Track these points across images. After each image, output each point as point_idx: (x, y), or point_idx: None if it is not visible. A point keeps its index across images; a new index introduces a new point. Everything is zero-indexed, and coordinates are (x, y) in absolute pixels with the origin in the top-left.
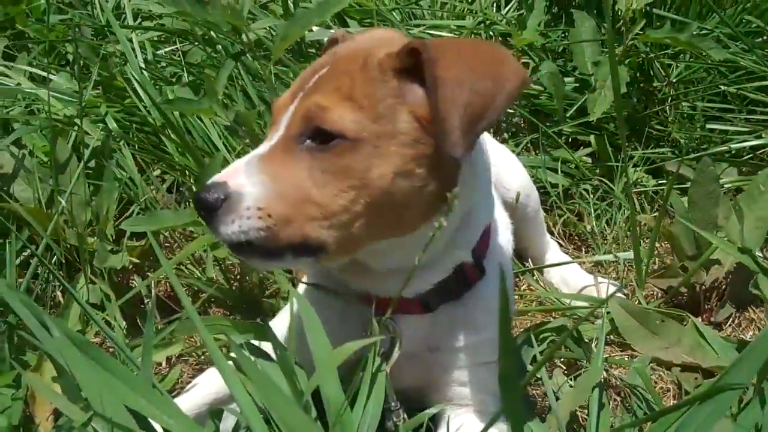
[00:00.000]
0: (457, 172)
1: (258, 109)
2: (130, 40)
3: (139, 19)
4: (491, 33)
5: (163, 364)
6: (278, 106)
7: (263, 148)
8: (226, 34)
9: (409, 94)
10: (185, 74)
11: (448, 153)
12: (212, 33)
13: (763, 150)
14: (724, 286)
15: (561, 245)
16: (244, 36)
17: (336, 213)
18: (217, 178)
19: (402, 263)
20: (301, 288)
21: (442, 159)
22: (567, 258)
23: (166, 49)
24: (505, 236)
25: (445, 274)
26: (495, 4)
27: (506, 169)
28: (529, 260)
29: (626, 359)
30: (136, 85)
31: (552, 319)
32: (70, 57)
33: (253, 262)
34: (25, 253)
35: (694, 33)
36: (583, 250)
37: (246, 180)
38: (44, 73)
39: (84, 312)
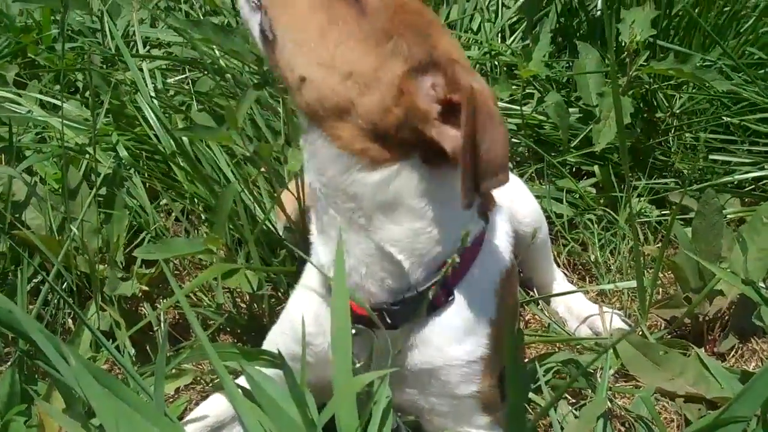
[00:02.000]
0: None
1: (276, 143)
2: (141, 69)
3: (148, 47)
4: (496, 63)
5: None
6: None
7: None
8: (250, 64)
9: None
10: (194, 103)
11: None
12: (222, 62)
13: (765, 181)
14: (727, 317)
15: (566, 275)
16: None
17: None
18: None
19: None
20: (299, 293)
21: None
22: (573, 287)
23: (175, 78)
24: (494, 268)
25: (403, 282)
26: (500, 35)
27: (520, 201)
28: (535, 289)
29: (630, 389)
30: (146, 113)
31: (557, 350)
32: (80, 84)
33: None
34: (35, 280)
35: (698, 65)
36: (587, 279)
37: None
38: (56, 101)
39: (95, 339)
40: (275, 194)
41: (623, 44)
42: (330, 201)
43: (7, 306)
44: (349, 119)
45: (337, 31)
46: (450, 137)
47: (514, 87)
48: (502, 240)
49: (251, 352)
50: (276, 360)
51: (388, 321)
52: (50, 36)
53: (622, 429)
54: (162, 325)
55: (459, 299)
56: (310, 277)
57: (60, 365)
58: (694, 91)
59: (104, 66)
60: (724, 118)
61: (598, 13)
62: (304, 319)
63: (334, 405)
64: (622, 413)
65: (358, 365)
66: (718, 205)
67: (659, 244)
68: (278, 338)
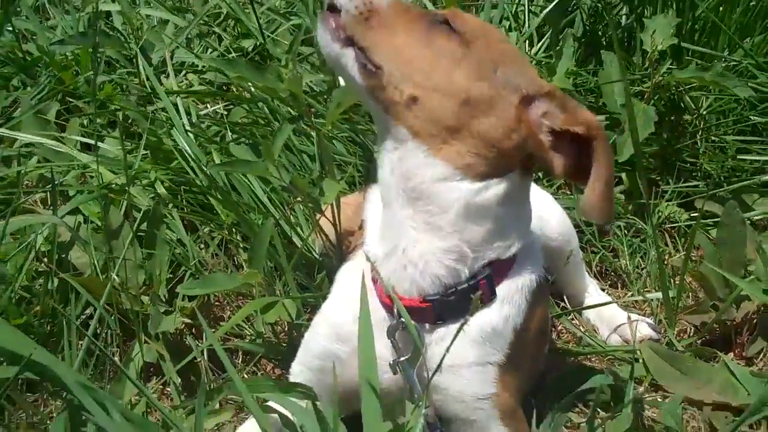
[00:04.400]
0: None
1: (311, 173)
2: (175, 104)
3: (183, 72)
4: None
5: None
6: None
7: None
8: (283, 100)
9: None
10: (229, 133)
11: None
12: (255, 92)
13: None
14: (755, 320)
15: (598, 281)
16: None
17: None
18: None
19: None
20: (334, 297)
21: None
22: (605, 295)
23: (209, 109)
24: (528, 277)
25: (456, 278)
26: (528, 41)
27: (550, 217)
28: (566, 299)
29: (659, 399)
30: (182, 146)
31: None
32: (120, 116)
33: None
34: (85, 314)
35: (722, 66)
36: (619, 286)
37: None
38: (93, 141)
39: (143, 371)
40: (313, 218)
41: (646, 52)
42: (409, 200)
43: (52, 363)
44: (460, 138)
45: (445, 59)
46: (560, 164)
47: None
48: (536, 252)
49: (284, 385)
50: (308, 392)
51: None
52: (94, 65)
53: None
54: (202, 364)
55: (498, 299)
56: (345, 283)
57: (101, 418)
58: (719, 93)
59: (140, 100)
60: (751, 118)
61: (624, 18)
62: (344, 319)
63: None
64: (652, 424)
65: (404, 359)
66: (741, 216)
67: (684, 254)
68: (313, 340)
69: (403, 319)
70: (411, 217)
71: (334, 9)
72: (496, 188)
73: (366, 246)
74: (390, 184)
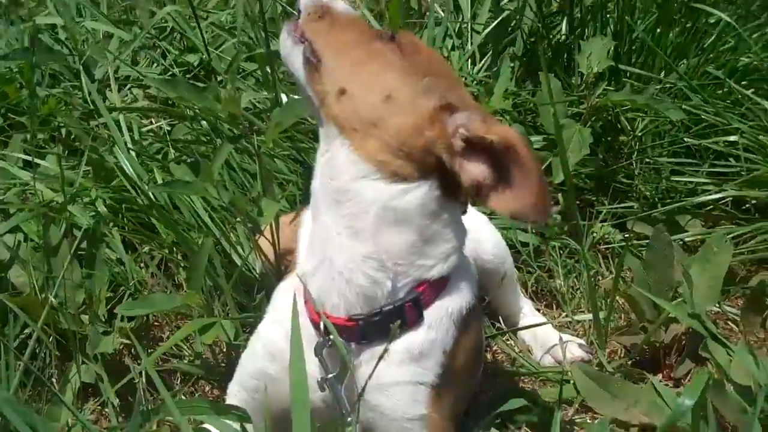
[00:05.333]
0: None
1: (250, 195)
2: (117, 121)
3: (128, 86)
4: None
5: None
6: None
7: None
8: (222, 120)
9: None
10: (171, 150)
11: None
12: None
13: (725, 201)
14: (684, 342)
15: (533, 302)
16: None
17: None
18: None
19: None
20: (269, 318)
21: None
22: (539, 316)
23: (152, 126)
24: (460, 300)
25: (379, 291)
26: (470, 60)
27: (484, 238)
28: (501, 320)
29: (588, 421)
30: (124, 165)
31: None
32: (64, 131)
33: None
34: (24, 333)
35: (657, 88)
36: (554, 306)
37: None
38: (34, 158)
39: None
40: (253, 237)
41: (582, 74)
42: (333, 204)
43: None
44: (377, 133)
45: (379, 60)
46: (468, 173)
47: None
48: (470, 273)
49: (220, 407)
50: (243, 415)
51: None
52: (32, 84)
53: None
54: (139, 385)
55: (425, 323)
56: (279, 303)
57: None
58: (654, 114)
59: (83, 115)
60: (685, 140)
61: (563, 37)
62: (277, 338)
63: None
64: None
65: (330, 376)
66: (669, 239)
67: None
68: (249, 360)
69: (330, 337)
70: (335, 221)
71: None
72: (413, 194)
73: (298, 265)
74: (318, 192)
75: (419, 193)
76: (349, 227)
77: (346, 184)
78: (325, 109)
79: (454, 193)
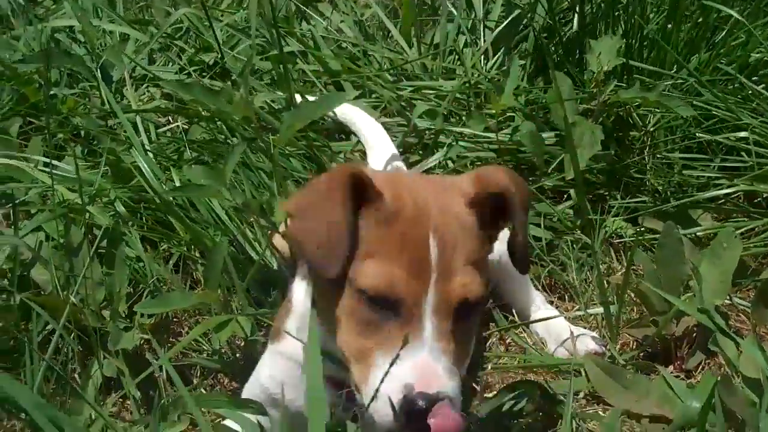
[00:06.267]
0: None
1: (263, 198)
2: (134, 123)
3: (145, 84)
4: (476, 91)
5: None
6: (407, 291)
7: (427, 344)
8: (236, 122)
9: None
10: (187, 150)
11: None
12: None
13: (736, 195)
14: (695, 333)
15: (546, 295)
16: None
17: None
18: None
19: None
20: (269, 355)
21: None
22: (552, 309)
23: (168, 126)
24: None
25: None
26: (483, 58)
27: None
28: (515, 312)
29: (600, 413)
30: (141, 166)
31: (533, 376)
32: (82, 132)
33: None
34: (47, 329)
35: (668, 84)
36: (566, 299)
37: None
38: (54, 161)
39: (101, 386)
40: (267, 236)
41: (592, 72)
42: None
43: (8, 384)
44: None
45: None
46: None
47: (488, 118)
48: None
49: (238, 400)
50: (260, 408)
51: None
52: (46, 90)
53: None
54: (160, 378)
55: None
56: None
57: None
58: (665, 110)
59: (101, 113)
60: (696, 135)
61: (574, 33)
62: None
63: None
64: None
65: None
66: (679, 235)
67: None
68: (262, 375)
69: None
70: None
71: None
72: None
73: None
74: None
75: None
76: None
77: None
78: None
79: None
